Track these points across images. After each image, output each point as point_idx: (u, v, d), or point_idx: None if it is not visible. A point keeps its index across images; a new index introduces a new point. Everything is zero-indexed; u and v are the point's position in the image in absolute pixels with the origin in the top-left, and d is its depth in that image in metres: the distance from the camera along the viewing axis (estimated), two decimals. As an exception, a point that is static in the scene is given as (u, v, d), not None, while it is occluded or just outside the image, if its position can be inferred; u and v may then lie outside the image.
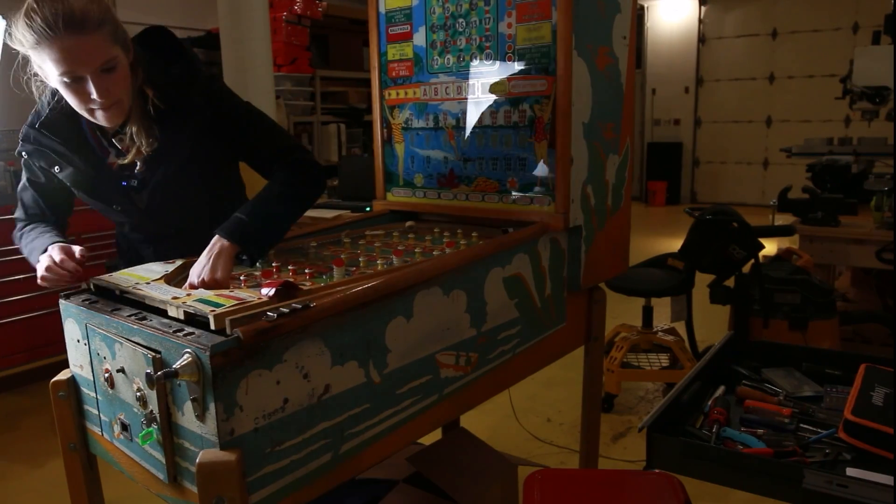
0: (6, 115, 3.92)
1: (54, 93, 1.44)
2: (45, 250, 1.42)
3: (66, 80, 1.30)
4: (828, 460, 1.28)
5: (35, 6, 1.24)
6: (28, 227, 1.55)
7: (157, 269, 1.37)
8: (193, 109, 1.48)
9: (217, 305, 1.09)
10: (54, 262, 1.36)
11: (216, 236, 1.35)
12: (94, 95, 1.32)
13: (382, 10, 1.91)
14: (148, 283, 1.26)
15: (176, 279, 1.34)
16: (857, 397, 1.38)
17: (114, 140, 1.50)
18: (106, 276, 1.34)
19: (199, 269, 1.30)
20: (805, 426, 1.42)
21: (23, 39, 1.27)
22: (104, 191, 1.52)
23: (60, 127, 1.46)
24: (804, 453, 1.32)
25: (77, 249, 1.39)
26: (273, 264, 1.45)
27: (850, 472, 1.23)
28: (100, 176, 1.50)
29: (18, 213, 1.59)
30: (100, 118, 1.40)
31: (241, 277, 1.29)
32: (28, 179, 1.57)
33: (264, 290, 1.14)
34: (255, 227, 1.39)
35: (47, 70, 1.31)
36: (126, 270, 1.37)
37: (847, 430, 1.32)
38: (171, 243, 1.59)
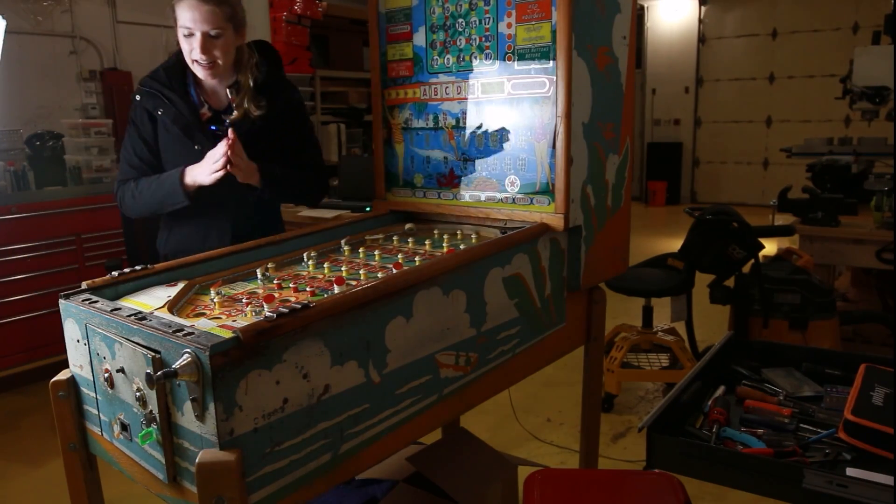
0: (6, 115, 3.92)
1: (173, 54, 1.87)
2: (182, 173, 1.79)
3: (183, 31, 1.75)
4: (828, 460, 1.28)
5: None
6: (139, 181, 1.87)
7: (161, 293, 1.37)
8: (279, 95, 1.91)
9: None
10: (214, 156, 1.73)
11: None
12: (197, 50, 1.75)
13: (382, 10, 1.91)
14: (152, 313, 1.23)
15: (179, 304, 1.32)
16: (857, 397, 1.38)
17: (228, 91, 1.88)
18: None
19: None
20: (805, 426, 1.42)
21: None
22: (194, 132, 1.85)
23: (174, 75, 1.86)
24: (804, 453, 1.32)
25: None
26: (274, 282, 1.45)
27: (850, 472, 1.23)
28: (193, 120, 1.86)
29: (124, 172, 1.90)
30: (198, 71, 1.81)
31: (244, 299, 1.30)
32: (136, 133, 1.89)
33: None
34: (276, 177, 1.87)
35: (177, 23, 1.75)
36: (130, 297, 1.37)
37: (847, 430, 1.32)
38: (217, 213, 1.90)
